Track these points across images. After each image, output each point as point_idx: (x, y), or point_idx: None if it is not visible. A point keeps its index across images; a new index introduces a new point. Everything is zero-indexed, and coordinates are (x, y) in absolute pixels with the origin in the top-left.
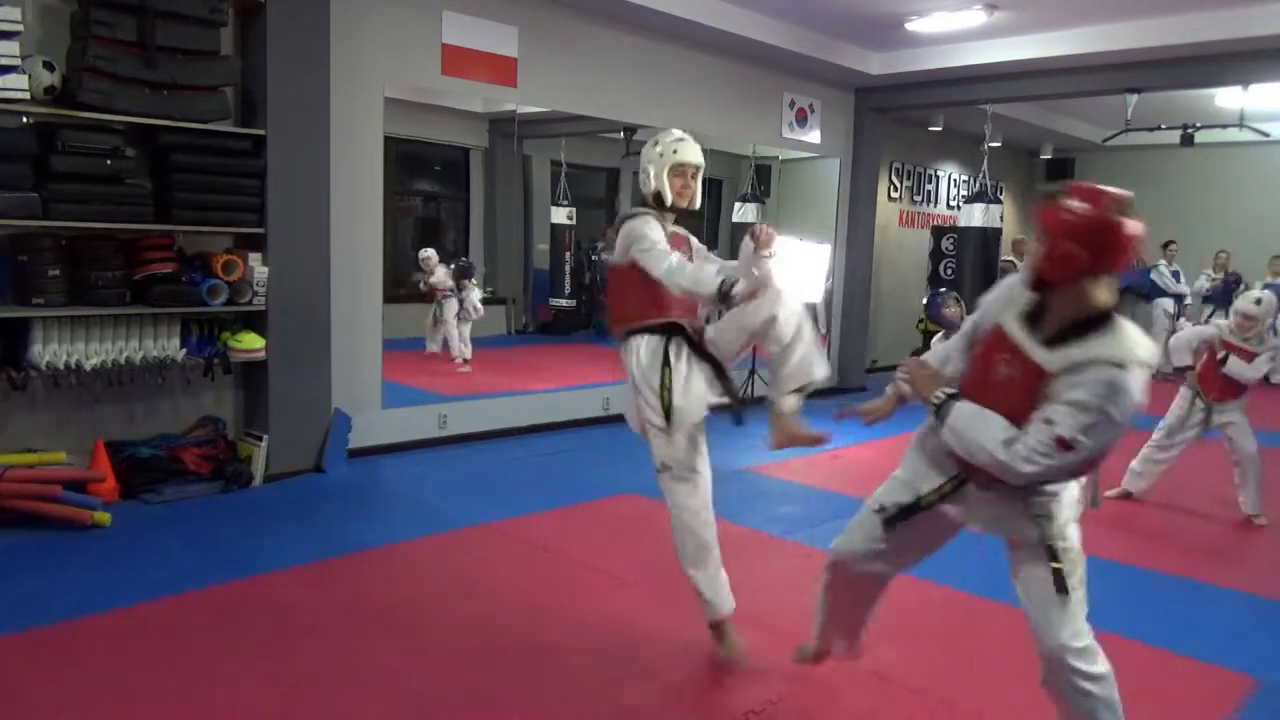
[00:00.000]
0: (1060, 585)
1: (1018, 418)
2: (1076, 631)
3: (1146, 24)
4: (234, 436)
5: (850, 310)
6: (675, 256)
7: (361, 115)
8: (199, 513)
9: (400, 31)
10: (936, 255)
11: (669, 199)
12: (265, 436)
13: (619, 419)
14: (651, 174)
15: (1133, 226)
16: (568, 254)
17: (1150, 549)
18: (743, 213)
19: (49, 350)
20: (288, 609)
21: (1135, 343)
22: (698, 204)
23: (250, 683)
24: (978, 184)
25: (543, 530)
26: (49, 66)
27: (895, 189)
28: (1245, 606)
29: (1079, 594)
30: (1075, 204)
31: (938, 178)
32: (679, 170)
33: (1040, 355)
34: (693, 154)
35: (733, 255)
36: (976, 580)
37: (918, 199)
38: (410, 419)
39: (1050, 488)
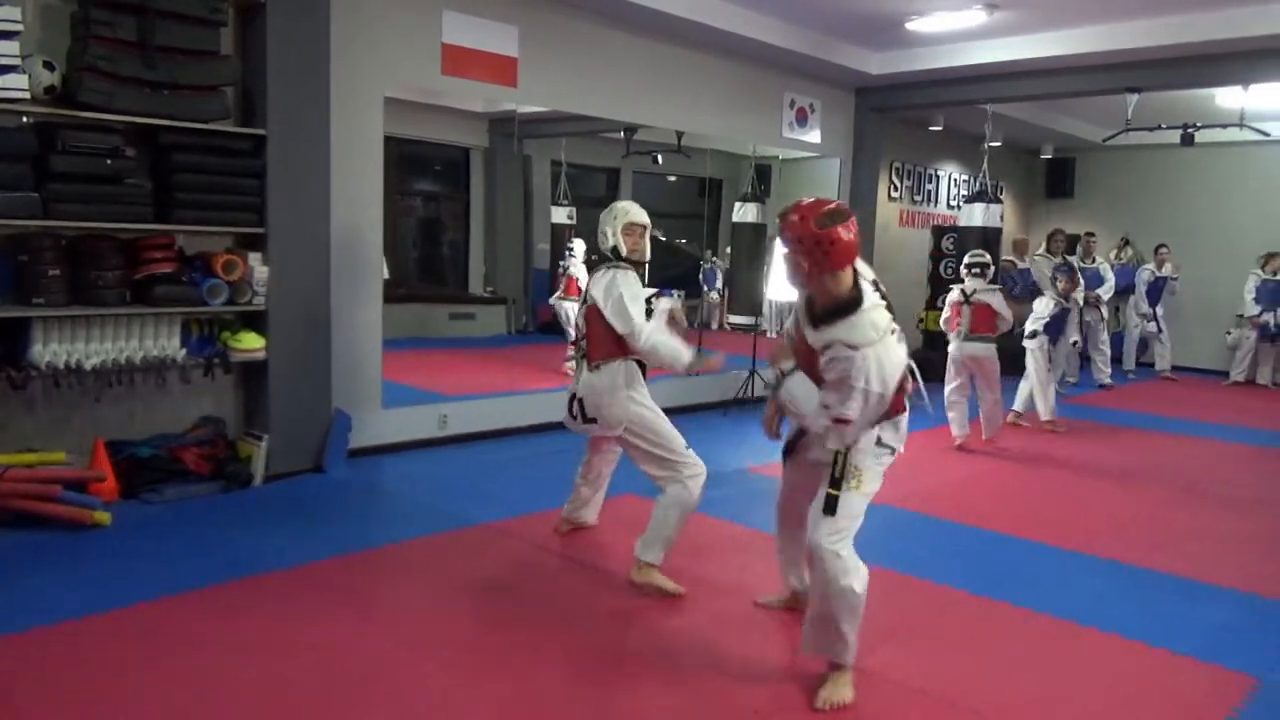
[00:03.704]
0: (830, 508)
1: (813, 372)
2: (833, 534)
3: (1147, 24)
4: (234, 436)
5: None
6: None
7: (361, 115)
8: (199, 513)
9: (400, 31)
10: (936, 255)
11: (624, 251)
12: (265, 436)
13: None
14: (609, 233)
15: (838, 233)
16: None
17: (1150, 548)
18: (743, 212)
19: (49, 350)
20: (288, 610)
21: (868, 327)
22: (648, 258)
23: (250, 683)
24: (978, 184)
25: (543, 530)
26: (49, 66)
27: (895, 189)
28: (1244, 606)
29: (846, 520)
30: (790, 218)
31: (938, 177)
32: (629, 229)
33: (810, 335)
34: (641, 216)
35: (734, 253)
36: (977, 580)
37: (918, 199)
38: (410, 419)
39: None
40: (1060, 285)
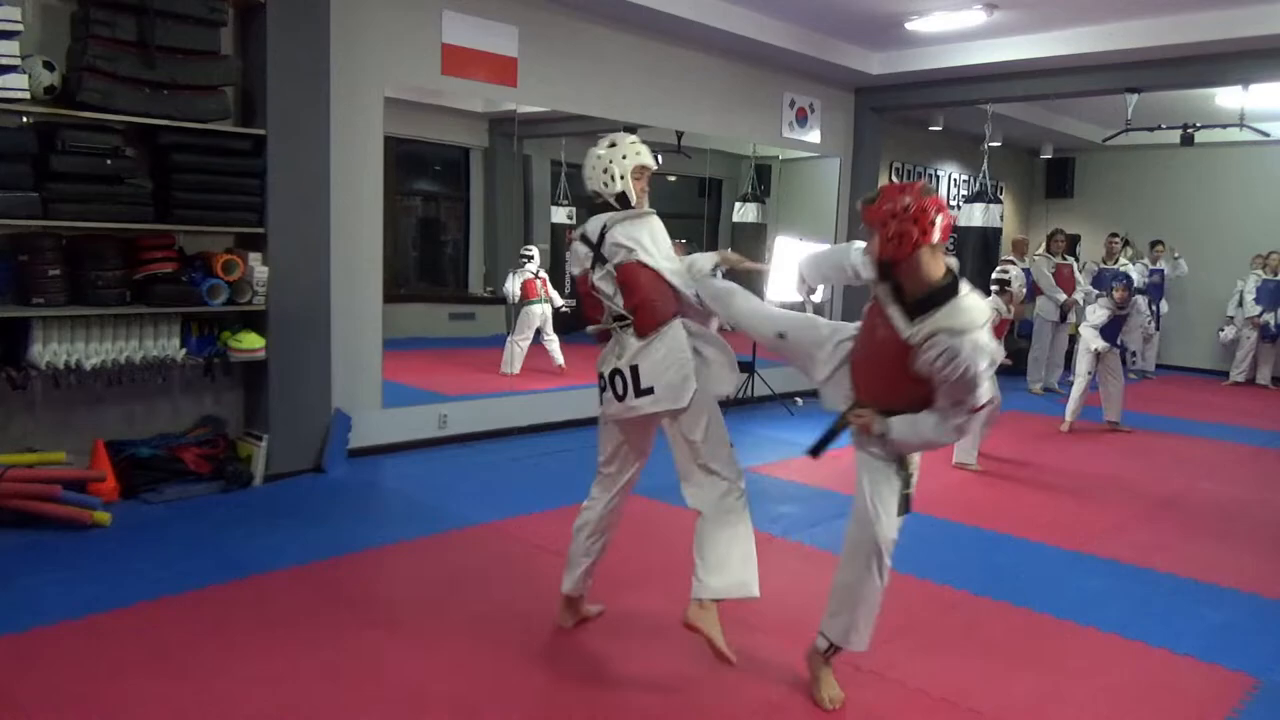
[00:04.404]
0: (906, 508)
1: (892, 375)
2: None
3: (1146, 23)
4: (234, 436)
5: (850, 310)
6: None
7: (361, 115)
8: (199, 513)
9: (400, 31)
10: None
11: (634, 199)
12: (265, 436)
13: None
14: (616, 175)
15: (940, 203)
16: (568, 254)
17: (1150, 548)
18: (743, 212)
19: (49, 350)
20: (288, 609)
21: (972, 310)
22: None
23: (250, 682)
24: (978, 184)
25: (543, 530)
26: (49, 66)
27: None
28: (1244, 606)
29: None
30: (894, 194)
31: (938, 177)
32: (639, 172)
33: (904, 329)
34: (650, 157)
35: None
36: (977, 580)
37: None
38: (410, 419)
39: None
40: (1116, 295)
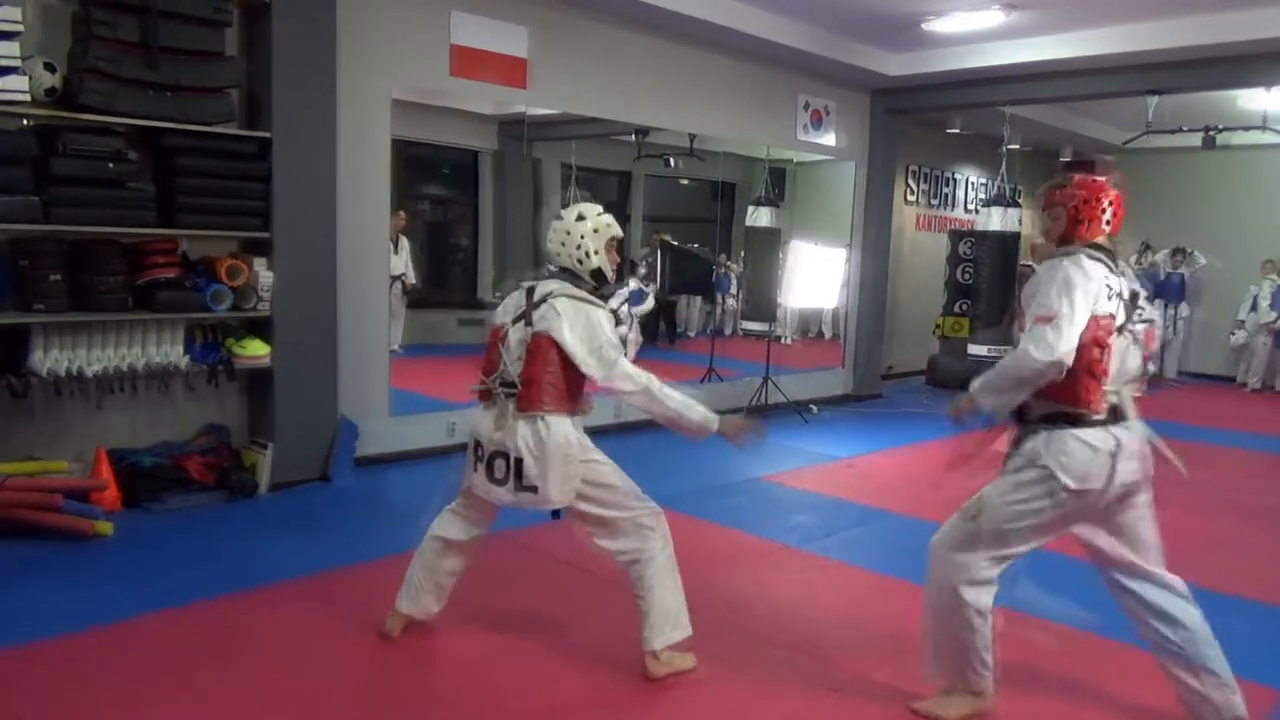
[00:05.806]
0: None
1: None
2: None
3: (1167, 24)
4: (238, 445)
5: (866, 316)
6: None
7: (369, 117)
8: (203, 523)
9: (408, 32)
10: (954, 259)
11: (610, 275)
12: (270, 445)
13: (631, 427)
14: (590, 250)
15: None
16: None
17: (1169, 559)
18: (757, 217)
19: (50, 357)
20: (293, 621)
21: None
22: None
23: (254, 697)
24: (996, 187)
25: (556, 540)
26: (50, 68)
27: (912, 192)
28: (1268, 618)
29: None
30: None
31: (955, 181)
32: (611, 244)
33: None
34: (619, 226)
35: (748, 258)
36: (1002, 595)
37: (935, 202)
38: (419, 427)
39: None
40: None
